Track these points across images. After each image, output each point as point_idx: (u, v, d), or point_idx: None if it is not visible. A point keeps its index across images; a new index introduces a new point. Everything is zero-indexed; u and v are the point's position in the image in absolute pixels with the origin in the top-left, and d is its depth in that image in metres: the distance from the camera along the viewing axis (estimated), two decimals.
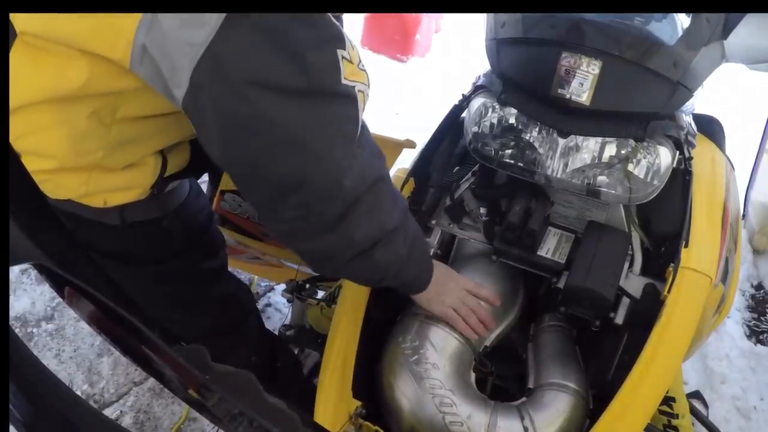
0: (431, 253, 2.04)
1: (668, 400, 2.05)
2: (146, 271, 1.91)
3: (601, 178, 1.84)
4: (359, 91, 1.33)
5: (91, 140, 1.46)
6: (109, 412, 3.07)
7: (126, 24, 1.20)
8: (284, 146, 1.27)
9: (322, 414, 1.70)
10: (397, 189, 1.59)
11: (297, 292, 2.58)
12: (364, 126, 1.42)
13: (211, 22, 1.13)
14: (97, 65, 1.30)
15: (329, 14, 1.25)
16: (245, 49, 1.17)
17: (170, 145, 1.69)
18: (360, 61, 1.36)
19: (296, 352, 2.92)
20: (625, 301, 1.84)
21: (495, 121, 1.93)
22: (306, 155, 1.29)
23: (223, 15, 1.13)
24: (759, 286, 4.01)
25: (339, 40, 1.26)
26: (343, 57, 1.26)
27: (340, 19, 1.42)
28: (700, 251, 1.85)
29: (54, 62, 1.32)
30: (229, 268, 2.26)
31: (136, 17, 1.19)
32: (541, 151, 1.87)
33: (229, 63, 1.18)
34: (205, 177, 2.68)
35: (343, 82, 1.27)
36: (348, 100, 1.31)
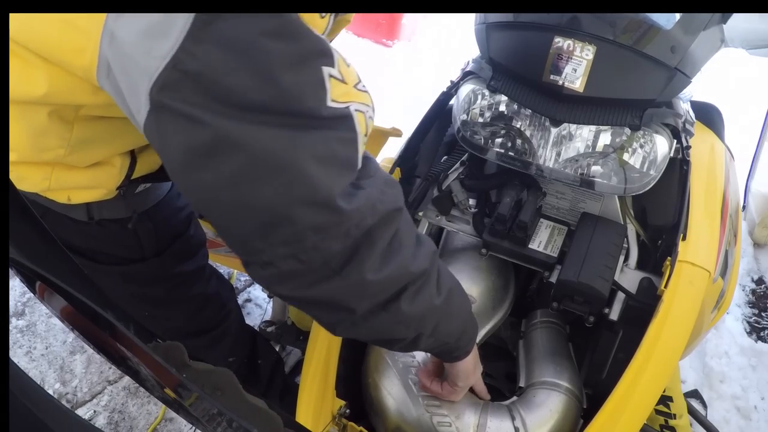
0: None
1: (665, 400, 2.07)
2: (113, 270, 1.91)
3: (595, 168, 1.85)
4: (357, 110, 1.19)
5: (52, 137, 1.44)
6: (82, 412, 3.07)
7: (92, 30, 1.12)
8: (255, 173, 1.11)
9: (304, 414, 1.70)
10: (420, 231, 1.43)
11: None
12: (369, 158, 1.28)
13: (173, 33, 1.03)
14: (59, 78, 1.27)
15: (311, 27, 1.12)
16: (212, 66, 1.04)
17: (142, 147, 1.67)
18: (359, 81, 1.23)
19: (277, 349, 2.93)
20: (620, 296, 1.85)
21: (484, 108, 1.93)
22: (284, 181, 1.12)
23: (187, 27, 1.02)
24: (760, 281, 4.03)
25: (324, 56, 1.13)
26: (331, 76, 1.13)
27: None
28: (698, 244, 1.86)
29: (18, 67, 1.27)
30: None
31: (100, 24, 1.10)
32: (532, 140, 1.88)
33: (193, 81, 1.05)
34: None
35: (329, 104, 1.13)
36: (339, 122, 1.16)
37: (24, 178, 1.54)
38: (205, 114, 1.06)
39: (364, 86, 1.24)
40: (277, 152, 1.10)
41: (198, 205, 1.23)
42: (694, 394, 2.97)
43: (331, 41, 1.25)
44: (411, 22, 6.53)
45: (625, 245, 1.95)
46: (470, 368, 1.63)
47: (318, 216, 1.14)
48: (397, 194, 1.30)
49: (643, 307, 1.79)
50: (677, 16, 1.78)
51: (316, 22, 1.19)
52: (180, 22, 1.02)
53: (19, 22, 1.19)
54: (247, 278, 3.81)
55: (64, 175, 1.55)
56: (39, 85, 1.27)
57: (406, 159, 2.17)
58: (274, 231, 1.15)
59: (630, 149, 1.81)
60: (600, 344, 1.87)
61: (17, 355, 3.25)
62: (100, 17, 1.09)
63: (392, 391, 1.70)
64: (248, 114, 1.07)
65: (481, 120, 1.94)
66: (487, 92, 1.92)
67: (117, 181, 1.65)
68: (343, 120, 1.16)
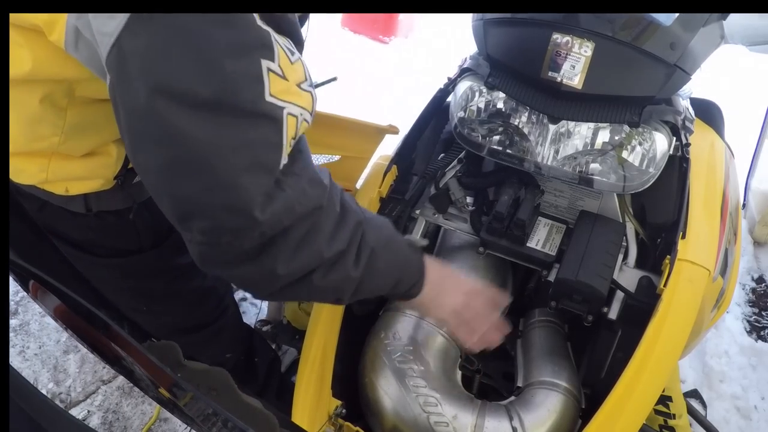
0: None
1: (664, 400, 2.07)
2: (112, 263, 1.91)
3: (594, 166, 1.85)
4: (290, 114, 1.21)
5: (46, 125, 1.46)
6: (76, 412, 3.06)
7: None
8: (184, 165, 1.17)
9: (300, 414, 1.70)
10: (348, 201, 1.45)
11: None
12: (301, 151, 1.31)
13: (119, 14, 1.07)
14: (40, 51, 1.29)
15: (256, 18, 1.13)
16: (153, 47, 1.08)
17: None
18: (306, 79, 1.26)
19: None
20: (619, 295, 1.84)
21: (482, 105, 1.93)
22: (206, 181, 1.17)
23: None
24: (760, 280, 4.03)
25: (265, 48, 1.14)
26: (270, 70, 1.15)
27: (304, 21, 1.36)
28: (698, 242, 1.86)
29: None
30: None
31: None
32: (530, 137, 1.88)
33: (134, 61, 1.09)
34: None
35: (268, 99, 1.15)
36: (268, 123, 1.18)
37: (21, 170, 1.55)
38: (140, 98, 1.11)
39: (309, 85, 1.27)
40: (201, 152, 1.14)
41: (139, 176, 1.32)
42: (694, 393, 2.97)
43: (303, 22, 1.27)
44: (408, 18, 6.53)
45: (624, 243, 1.95)
46: (426, 304, 1.68)
47: (233, 220, 1.22)
48: (319, 194, 1.34)
49: (642, 306, 1.79)
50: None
51: None
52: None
53: None
54: None
55: (61, 165, 1.56)
56: (24, 62, 1.30)
57: (403, 156, 2.17)
58: (193, 221, 1.24)
59: (629, 147, 1.81)
60: (599, 343, 1.87)
61: (10, 355, 3.24)
62: None
63: (389, 390, 1.70)
64: (179, 100, 1.10)
65: (478, 117, 1.95)
66: (484, 89, 1.92)
67: (114, 170, 1.66)
68: (273, 124, 1.19)
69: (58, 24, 1.20)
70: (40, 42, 1.27)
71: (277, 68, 1.16)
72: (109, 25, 1.08)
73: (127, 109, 1.15)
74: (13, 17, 1.25)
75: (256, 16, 1.12)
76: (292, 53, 1.21)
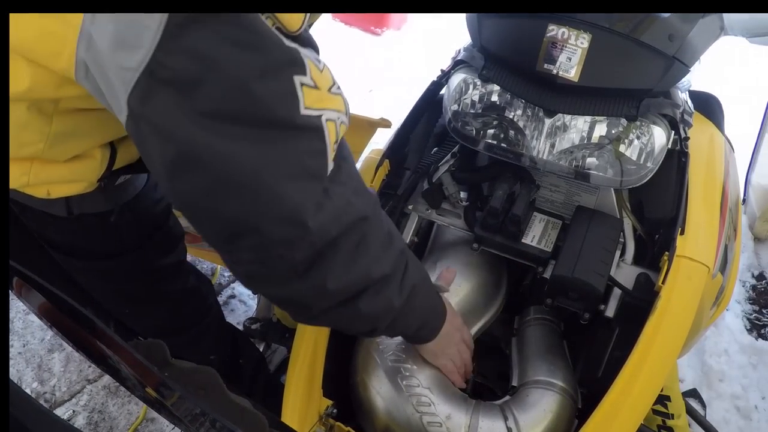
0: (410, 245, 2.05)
1: (663, 399, 2.07)
2: (94, 266, 1.92)
3: (591, 160, 1.85)
4: (329, 119, 1.23)
5: (31, 132, 1.44)
6: (61, 412, 3.07)
7: (68, 35, 1.15)
8: (229, 185, 1.18)
9: (290, 414, 1.70)
10: (393, 228, 1.49)
11: None
12: (346, 159, 1.33)
13: (144, 45, 1.07)
14: (41, 75, 1.26)
15: (282, 37, 1.15)
16: (183, 77, 1.09)
17: (121, 138, 1.66)
18: (333, 83, 1.27)
19: (262, 347, 2.93)
20: (617, 292, 1.85)
21: (476, 98, 1.93)
22: (255, 195, 1.19)
23: (159, 38, 1.05)
24: (760, 276, 4.04)
25: (295, 65, 1.16)
26: (303, 84, 1.17)
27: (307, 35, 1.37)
28: (697, 239, 1.86)
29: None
30: (189, 258, 2.26)
31: (76, 30, 1.14)
32: (525, 131, 1.88)
33: (165, 92, 1.11)
34: None
35: (303, 112, 1.17)
36: (310, 133, 1.21)
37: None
38: (178, 128, 1.12)
39: (338, 88, 1.28)
40: (247, 169, 1.15)
41: (177, 207, 1.33)
42: (693, 393, 2.98)
43: (311, 25, 1.27)
44: None
45: (622, 240, 1.96)
46: (436, 351, 1.72)
47: (284, 230, 1.22)
48: (365, 203, 1.36)
49: (640, 303, 1.80)
50: None
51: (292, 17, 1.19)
52: (150, 34, 1.05)
53: (12, 27, 1.19)
54: (231, 274, 3.81)
55: (44, 169, 1.55)
56: (21, 81, 1.28)
57: (395, 150, 2.17)
58: (242, 239, 1.24)
59: (626, 140, 1.82)
60: (595, 342, 1.88)
61: None
62: (76, 22, 1.12)
63: (381, 390, 1.70)
64: (219, 125, 1.12)
65: (472, 110, 1.95)
66: (478, 82, 1.92)
67: (98, 173, 1.65)
68: (314, 131, 1.21)
69: (64, 54, 1.18)
70: (41, 68, 1.26)
71: (309, 80, 1.18)
72: (131, 60, 1.08)
73: (160, 141, 1.15)
74: (18, 50, 1.23)
75: (282, 36, 1.13)
76: (319, 61, 1.23)
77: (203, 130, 1.11)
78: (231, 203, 1.19)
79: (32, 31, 1.18)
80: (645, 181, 1.86)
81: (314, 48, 1.26)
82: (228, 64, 1.08)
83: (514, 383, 1.83)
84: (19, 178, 1.54)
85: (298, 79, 1.15)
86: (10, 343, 3.31)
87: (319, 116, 1.20)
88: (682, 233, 1.84)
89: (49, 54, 1.20)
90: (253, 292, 1.37)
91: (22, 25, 1.18)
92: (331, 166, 1.25)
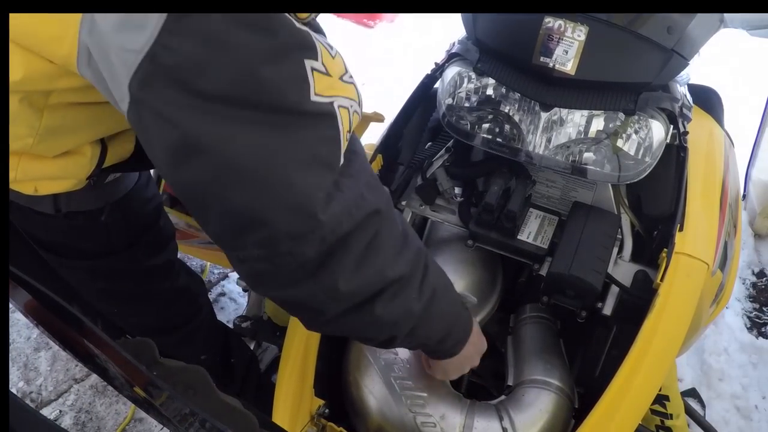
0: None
1: (661, 399, 2.08)
2: (81, 265, 1.92)
3: (588, 155, 1.85)
4: (341, 107, 1.20)
5: (21, 126, 1.42)
6: (47, 412, 3.08)
7: (70, 19, 1.13)
8: (236, 172, 1.14)
9: (281, 414, 1.70)
10: (408, 226, 1.44)
11: None
12: (356, 152, 1.29)
13: (149, 26, 1.04)
14: (35, 65, 1.26)
15: (293, 19, 1.13)
16: (189, 59, 1.06)
17: (112, 134, 1.65)
18: (346, 71, 1.25)
19: (253, 346, 2.93)
20: (614, 289, 1.85)
21: (471, 92, 1.93)
22: (262, 184, 1.15)
23: (163, 19, 1.04)
24: (761, 274, 4.04)
25: (306, 49, 1.14)
26: (313, 69, 1.14)
27: (315, 23, 1.36)
28: (696, 235, 1.87)
29: None
30: (179, 255, 2.26)
31: (77, 14, 1.12)
32: (521, 125, 1.88)
33: (169, 76, 1.08)
34: None
35: (313, 99, 1.14)
36: (323, 119, 1.18)
37: None
38: (183, 113, 1.09)
39: (350, 77, 1.26)
40: (256, 156, 1.12)
41: (181, 198, 1.25)
42: (692, 392, 2.99)
43: (315, 16, 1.26)
44: None
45: (619, 236, 1.96)
46: (453, 367, 1.67)
47: (294, 222, 1.17)
48: (377, 197, 1.31)
49: (638, 301, 1.80)
50: None
51: None
52: (155, 15, 1.03)
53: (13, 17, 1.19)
54: (221, 271, 3.81)
55: (32, 165, 1.54)
56: (15, 71, 1.27)
57: (388, 145, 2.17)
58: (250, 233, 1.19)
59: (624, 135, 1.82)
60: (593, 340, 1.88)
61: None
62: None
63: (374, 389, 1.70)
64: (227, 110, 1.09)
65: (467, 104, 1.95)
66: (473, 75, 1.92)
67: (87, 170, 1.64)
68: (326, 118, 1.18)
69: (67, 39, 1.16)
70: (35, 55, 1.25)
71: (321, 66, 1.16)
72: (136, 41, 1.05)
73: (163, 127, 1.12)
74: (17, 38, 1.22)
75: (293, 19, 1.12)
76: (332, 47, 1.21)
77: (209, 115, 1.09)
78: (237, 192, 1.15)
79: (34, 16, 1.17)
80: (643, 176, 1.86)
81: (324, 36, 1.25)
82: (236, 46, 1.06)
83: (510, 382, 1.84)
84: None
85: (309, 64, 1.13)
86: None
87: (331, 102, 1.18)
88: (681, 230, 1.84)
89: (51, 39, 1.18)
90: (262, 295, 1.32)
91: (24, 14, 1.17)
92: (342, 157, 1.23)
